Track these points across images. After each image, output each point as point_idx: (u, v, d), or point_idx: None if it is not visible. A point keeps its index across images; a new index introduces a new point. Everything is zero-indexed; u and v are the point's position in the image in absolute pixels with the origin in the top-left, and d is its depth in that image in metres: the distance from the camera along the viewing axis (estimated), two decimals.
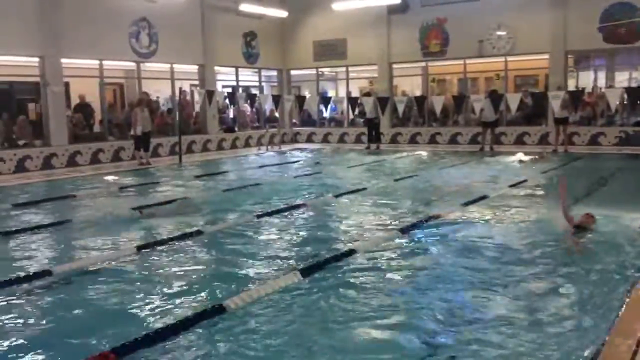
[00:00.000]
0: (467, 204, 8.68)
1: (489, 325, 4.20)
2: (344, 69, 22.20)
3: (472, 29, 18.57)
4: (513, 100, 14.97)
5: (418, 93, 20.75)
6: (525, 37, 17.93)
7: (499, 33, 18.40)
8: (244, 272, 5.70)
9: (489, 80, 20.97)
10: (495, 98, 15.60)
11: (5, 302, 4.92)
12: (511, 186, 10.34)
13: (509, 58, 18.77)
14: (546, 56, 18.03)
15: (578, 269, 5.42)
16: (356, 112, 20.76)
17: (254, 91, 21.00)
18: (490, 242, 6.53)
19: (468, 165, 14.03)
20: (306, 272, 5.44)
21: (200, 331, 4.20)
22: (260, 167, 14.95)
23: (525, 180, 10.93)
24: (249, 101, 18.70)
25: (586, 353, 3.68)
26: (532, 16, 17.83)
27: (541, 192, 9.93)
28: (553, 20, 17.59)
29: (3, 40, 13.80)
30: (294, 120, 23.33)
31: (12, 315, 4.63)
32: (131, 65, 17.63)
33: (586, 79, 20.00)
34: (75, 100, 17.33)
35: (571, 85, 18.67)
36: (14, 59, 14.75)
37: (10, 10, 14.04)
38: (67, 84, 16.11)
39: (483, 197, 9.19)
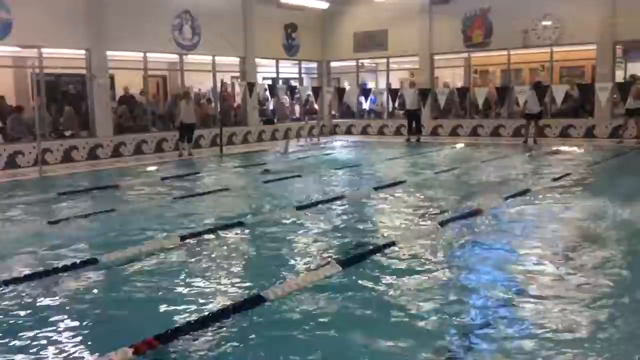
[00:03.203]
0: (509, 197, 8.54)
1: (533, 323, 4.12)
2: (384, 60, 22.01)
3: (517, 19, 18.16)
4: (559, 92, 14.61)
5: (460, 84, 20.46)
6: (572, 27, 17.45)
7: (544, 23, 17.95)
8: (283, 262, 5.74)
9: (533, 71, 20.52)
10: (540, 89, 15.27)
11: (51, 290, 5.07)
12: (555, 179, 10.13)
13: (555, 49, 18.30)
14: (593, 46, 17.52)
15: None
16: (396, 104, 20.64)
17: (294, 83, 21.04)
18: (532, 236, 6.42)
19: (511, 158, 13.78)
20: (345, 263, 5.44)
21: (240, 320, 4.24)
22: (300, 158, 14.99)
23: (569, 174, 10.69)
24: (288, 93, 18.76)
25: None
26: (579, 5, 17.32)
27: (586, 186, 9.68)
28: (601, 10, 17.05)
29: (51, 33, 14.17)
30: (333, 112, 23.31)
31: (58, 303, 4.77)
32: (174, 57, 17.88)
33: (635, 70, 19.37)
34: (119, 92, 17.70)
35: (619, 77, 18.11)
36: (61, 51, 15.14)
37: (58, 5, 14.39)
38: (112, 76, 16.45)
39: (526, 191, 9.03)
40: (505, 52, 19.15)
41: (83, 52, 15.24)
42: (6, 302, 4.73)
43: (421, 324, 4.14)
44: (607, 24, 16.98)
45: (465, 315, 4.27)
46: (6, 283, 5.10)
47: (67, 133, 15.27)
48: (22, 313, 4.52)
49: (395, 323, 4.18)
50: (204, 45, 17.91)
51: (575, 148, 15.29)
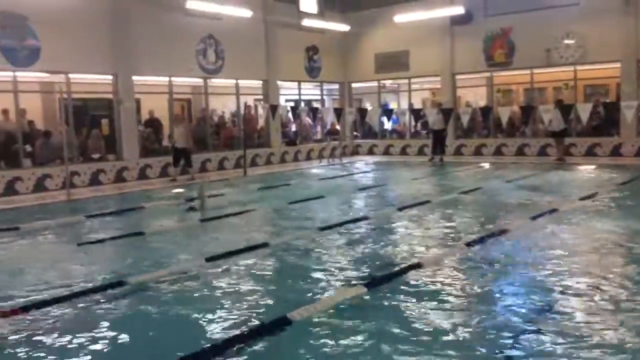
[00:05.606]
0: (535, 217, 8.44)
1: (563, 341, 4.06)
2: (406, 80, 22.07)
3: (539, 38, 18.11)
4: (584, 110, 14.46)
5: (482, 104, 20.39)
6: (595, 46, 17.34)
7: (567, 42, 17.86)
8: (308, 284, 5.74)
9: (557, 90, 20.38)
10: (563, 107, 15.14)
11: (79, 312, 5.13)
12: (582, 199, 9.99)
13: (578, 67, 18.18)
14: (617, 65, 17.37)
15: None
16: (418, 123, 20.64)
17: (316, 104, 21.17)
18: (560, 257, 6.33)
19: (536, 178, 13.64)
20: (371, 285, 5.42)
21: (265, 342, 4.24)
22: (323, 179, 15.02)
23: (596, 193, 10.55)
24: (311, 114, 18.89)
25: None
26: (602, 24, 17.23)
27: (614, 205, 9.52)
28: (624, 28, 16.93)
29: (79, 59, 14.51)
30: (355, 133, 23.36)
31: (85, 324, 4.81)
32: (198, 81, 18.14)
33: None
34: (145, 116, 17.98)
35: None
36: (89, 76, 15.46)
37: (85, 31, 14.73)
38: (138, 100, 16.74)
39: (553, 211, 8.92)
40: (528, 71, 19.07)
41: (110, 77, 15.56)
42: (34, 325, 4.79)
43: (449, 346, 4.09)
44: (631, 42, 16.85)
45: (495, 338, 4.21)
46: (35, 306, 5.15)
47: (95, 156, 15.52)
48: (51, 336, 4.56)
49: (423, 345, 4.13)
50: (228, 69, 18.16)
51: (599, 166, 15.09)
